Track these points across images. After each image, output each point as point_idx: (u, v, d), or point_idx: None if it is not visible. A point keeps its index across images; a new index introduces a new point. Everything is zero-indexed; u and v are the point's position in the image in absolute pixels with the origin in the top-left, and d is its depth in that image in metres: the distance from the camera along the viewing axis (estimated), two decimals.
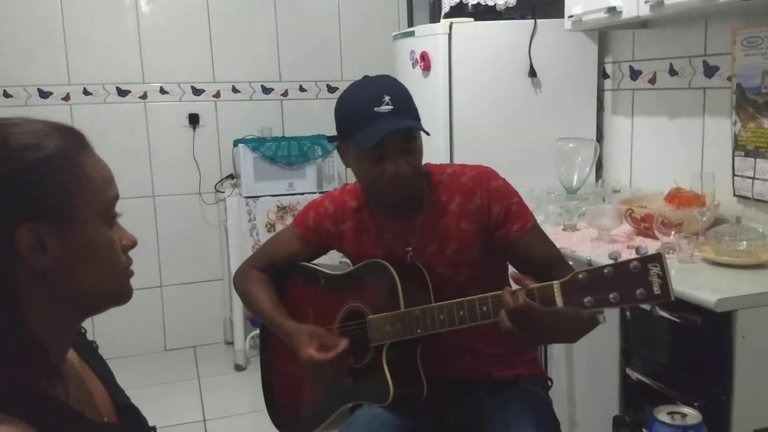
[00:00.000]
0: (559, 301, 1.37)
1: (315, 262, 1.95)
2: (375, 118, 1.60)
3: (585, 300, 1.33)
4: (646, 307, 1.39)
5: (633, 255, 1.28)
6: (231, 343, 4.06)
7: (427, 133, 1.66)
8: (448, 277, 1.73)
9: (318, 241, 1.89)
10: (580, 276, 1.34)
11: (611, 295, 1.30)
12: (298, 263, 1.93)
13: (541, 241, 1.74)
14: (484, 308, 1.50)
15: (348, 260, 1.92)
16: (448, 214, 1.74)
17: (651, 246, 2.30)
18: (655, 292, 1.27)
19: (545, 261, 1.70)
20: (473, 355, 1.77)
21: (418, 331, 1.60)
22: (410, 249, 1.75)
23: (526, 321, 1.38)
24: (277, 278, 1.93)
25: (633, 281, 1.28)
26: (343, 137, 1.70)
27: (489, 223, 1.71)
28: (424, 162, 1.77)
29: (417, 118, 1.67)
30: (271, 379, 2.00)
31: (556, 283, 1.37)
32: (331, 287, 1.86)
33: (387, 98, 1.61)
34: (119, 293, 0.99)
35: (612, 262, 1.32)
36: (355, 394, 1.75)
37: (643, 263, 1.27)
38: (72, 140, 0.94)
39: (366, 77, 1.75)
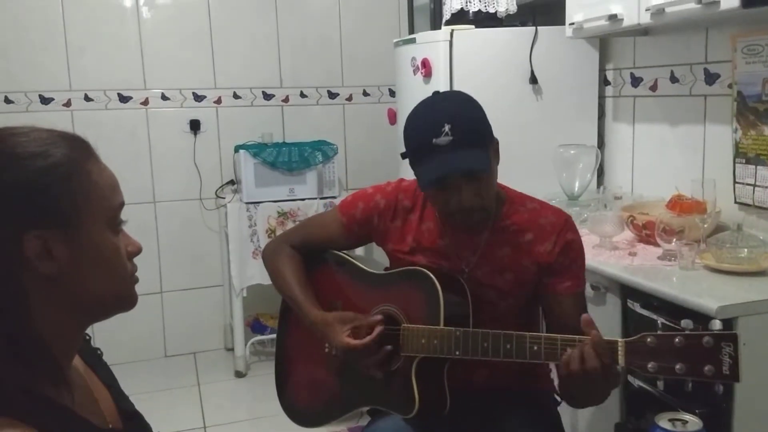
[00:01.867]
0: (621, 360, 1.35)
1: (348, 253, 1.92)
2: (433, 152, 1.54)
3: (649, 365, 1.31)
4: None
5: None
6: (231, 350, 4.06)
7: (486, 170, 1.58)
8: (491, 302, 1.70)
9: (361, 233, 1.85)
10: (648, 339, 1.31)
11: (677, 366, 1.28)
12: (333, 250, 1.90)
13: (580, 307, 1.71)
14: (535, 348, 1.47)
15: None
16: (513, 246, 1.70)
17: (652, 252, 2.30)
18: (724, 372, 1.25)
19: (573, 328, 1.65)
20: (491, 369, 1.73)
21: (457, 353, 1.55)
22: (467, 269, 1.71)
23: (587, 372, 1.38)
24: (309, 260, 1.89)
25: (703, 356, 1.26)
26: (408, 159, 1.65)
27: (548, 268, 1.68)
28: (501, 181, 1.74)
29: (480, 145, 1.58)
30: (287, 366, 1.95)
31: (621, 342, 1.35)
32: (366, 284, 1.81)
33: (447, 127, 1.53)
34: (125, 299, 0.99)
35: (684, 331, 1.29)
36: (377, 398, 1.72)
37: (717, 340, 1.25)
38: (78, 148, 0.95)
39: (435, 94, 1.68)
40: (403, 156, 1.67)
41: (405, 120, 1.66)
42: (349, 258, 1.89)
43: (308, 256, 1.89)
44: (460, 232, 1.72)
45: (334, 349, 1.68)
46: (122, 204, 0.98)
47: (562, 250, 1.68)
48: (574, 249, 1.71)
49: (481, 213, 1.65)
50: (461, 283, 1.67)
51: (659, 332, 1.32)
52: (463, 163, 1.55)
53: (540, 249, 1.68)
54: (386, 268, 1.87)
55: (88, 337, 1.11)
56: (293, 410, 1.92)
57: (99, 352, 1.15)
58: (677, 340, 1.28)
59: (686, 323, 1.32)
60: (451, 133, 1.53)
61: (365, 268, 1.84)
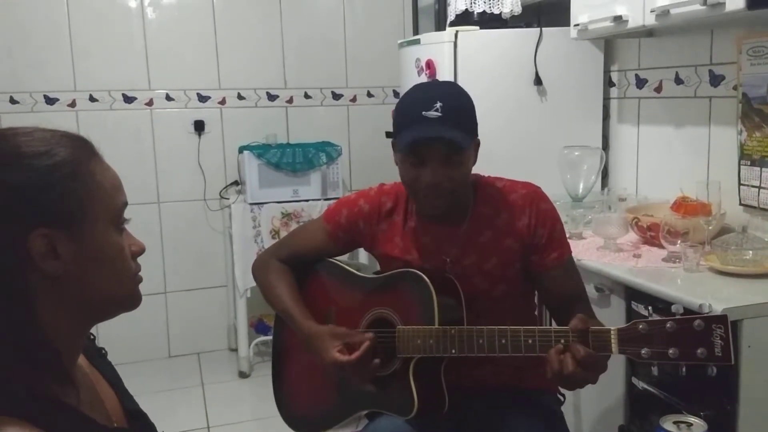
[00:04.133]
0: (614, 349, 1.36)
1: (339, 259, 1.91)
2: (419, 121, 1.58)
3: (642, 351, 1.32)
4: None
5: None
6: (235, 350, 4.06)
7: (465, 148, 1.61)
8: (483, 290, 1.71)
9: (347, 240, 1.86)
10: (640, 326, 1.33)
11: (670, 351, 1.29)
12: (323, 258, 1.89)
13: (572, 273, 1.74)
14: (530, 341, 1.47)
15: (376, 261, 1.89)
16: (492, 229, 1.72)
17: (656, 254, 2.30)
18: (716, 354, 1.26)
19: (571, 294, 1.70)
20: (493, 365, 1.73)
21: (453, 351, 1.56)
22: (448, 259, 1.72)
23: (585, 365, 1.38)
24: (299, 269, 1.89)
25: (694, 339, 1.27)
26: (393, 134, 1.69)
27: (531, 244, 1.70)
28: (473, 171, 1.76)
29: (467, 131, 1.63)
30: (284, 373, 1.95)
31: (613, 330, 1.37)
32: (358, 289, 1.81)
33: (438, 104, 1.58)
34: (129, 299, 1.00)
35: (675, 316, 1.30)
36: (376, 401, 1.71)
37: (708, 322, 1.27)
38: (82, 148, 0.95)
39: (433, 81, 1.75)
40: (389, 134, 1.70)
41: (398, 101, 1.71)
42: (340, 263, 1.88)
43: (298, 267, 1.89)
44: (440, 225, 1.74)
45: (324, 365, 1.68)
46: (125, 204, 0.99)
47: (538, 221, 1.70)
48: (550, 217, 1.73)
49: (449, 198, 1.65)
50: (452, 280, 1.67)
51: (650, 318, 1.33)
52: (446, 133, 1.58)
53: (518, 225, 1.70)
54: (377, 272, 1.87)
55: (92, 337, 1.11)
56: (292, 418, 1.91)
57: (103, 351, 1.15)
58: (668, 325, 1.29)
59: (676, 308, 1.32)
60: (441, 111, 1.58)
61: (356, 272, 1.84)
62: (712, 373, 1.27)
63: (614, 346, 1.36)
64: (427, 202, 1.67)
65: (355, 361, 1.60)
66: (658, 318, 1.33)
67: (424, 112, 1.58)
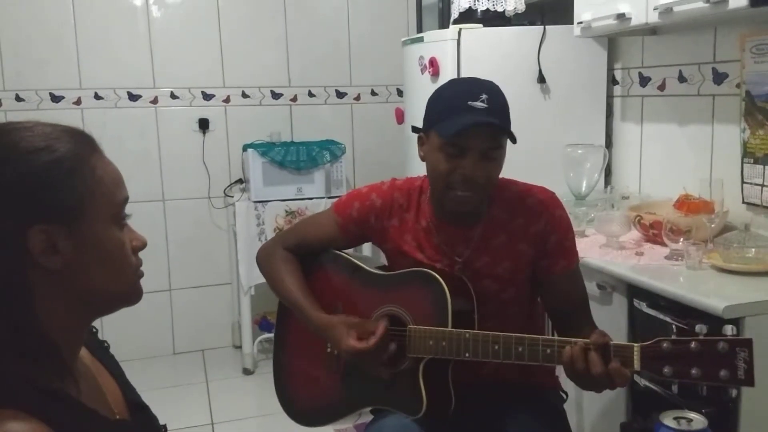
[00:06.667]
0: (636, 365, 1.37)
1: (345, 251, 1.89)
2: (466, 110, 1.56)
3: (664, 369, 1.33)
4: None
5: None
6: (239, 347, 4.07)
7: (513, 141, 1.61)
8: (492, 293, 1.71)
9: (357, 233, 1.84)
10: (664, 345, 1.33)
11: (693, 370, 1.30)
12: (330, 250, 1.87)
13: (578, 283, 1.74)
14: (548, 351, 1.47)
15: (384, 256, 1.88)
16: (507, 232, 1.71)
17: (659, 252, 2.30)
18: (739, 377, 1.27)
19: (574, 303, 1.70)
20: (497, 363, 1.69)
21: (467, 355, 1.55)
22: (460, 260, 1.71)
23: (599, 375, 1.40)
24: (306, 261, 1.86)
25: (718, 361, 1.28)
26: (427, 125, 1.65)
27: (542, 249, 1.70)
28: None
29: (507, 125, 1.62)
30: (287, 365, 1.94)
31: (636, 346, 1.37)
32: (367, 284, 1.79)
33: (484, 96, 1.57)
34: (130, 293, 1.00)
35: (699, 336, 1.31)
36: (383, 398, 1.71)
37: (732, 345, 1.28)
38: (82, 143, 0.95)
39: (471, 77, 1.72)
40: (416, 129, 1.67)
41: (433, 93, 1.68)
42: (348, 256, 1.86)
43: (305, 257, 1.87)
44: (454, 225, 1.73)
45: (340, 353, 1.67)
46: (126, 199, 0.99)
47: (552, 228, 1.70)
48: (563, 224, 1.73)
49: (481, 194, 1.65)
50: (465, 281, 1.66)
51: (674, 337, 1.34)
52: (497, 122, 1.58)
53: (532, 230, 1.70)
54: (383, 267, 1.86)
55: (95, 330, 1.12)
56: (295, 411, 1.90)
57: (106, 344, 1.15)
58: (693, 345, 1.30)
59: (700, 328, 1.33)
60: (487, 102, 1.57)
61: (366, 267, 1.82)
62: (732, 394, 1.28)
63: (636, 363, 1.36)
64: (459, 196, 1.63)
65: (373, 347, 1.59)
66: (681, 338, 1.33)
67: (470, 102, 1.57)
